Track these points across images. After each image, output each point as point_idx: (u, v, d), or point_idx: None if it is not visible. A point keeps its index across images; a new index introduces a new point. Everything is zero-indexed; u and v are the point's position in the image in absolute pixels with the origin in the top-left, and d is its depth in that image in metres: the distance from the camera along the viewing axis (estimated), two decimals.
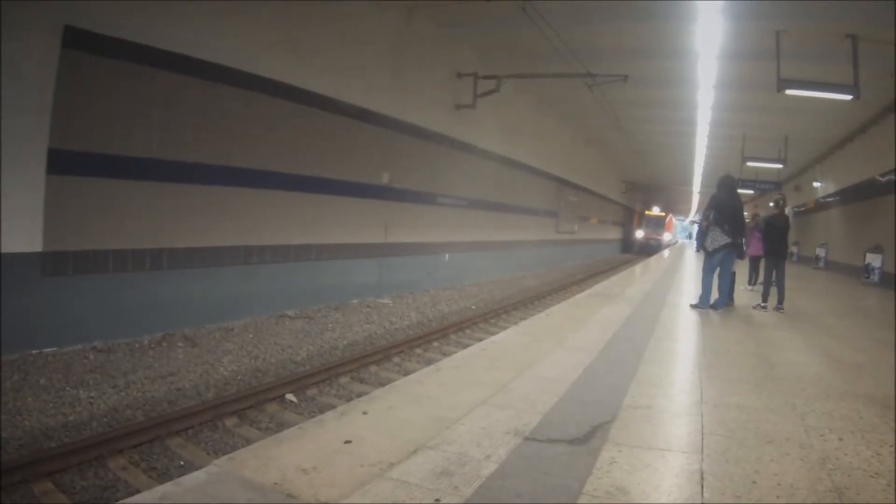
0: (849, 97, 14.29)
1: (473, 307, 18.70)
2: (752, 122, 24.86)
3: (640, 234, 67.85)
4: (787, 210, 17.89)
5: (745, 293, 12.74)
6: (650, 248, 61.52)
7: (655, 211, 69.95)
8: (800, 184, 35.92)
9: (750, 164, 28.17)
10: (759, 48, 14.82)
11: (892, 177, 20.04)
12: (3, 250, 9.37)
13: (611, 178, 55.30)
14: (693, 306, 11.80)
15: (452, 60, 20.40)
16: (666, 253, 46.51)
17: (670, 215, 76.73)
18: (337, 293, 16.54)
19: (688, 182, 50.76)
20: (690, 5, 13.50)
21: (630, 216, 70.40)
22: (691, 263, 28.30)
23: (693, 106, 23.17)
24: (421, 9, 17.07)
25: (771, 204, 14.08)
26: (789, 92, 14.66)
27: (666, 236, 69.72)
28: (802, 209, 34.18)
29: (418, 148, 19.42)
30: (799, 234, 33.36)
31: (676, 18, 14.50)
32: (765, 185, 31.12)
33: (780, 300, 12.55)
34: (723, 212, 11.51)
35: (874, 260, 21.29)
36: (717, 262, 11.56)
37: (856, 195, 24.73)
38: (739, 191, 28.31)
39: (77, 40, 9.98)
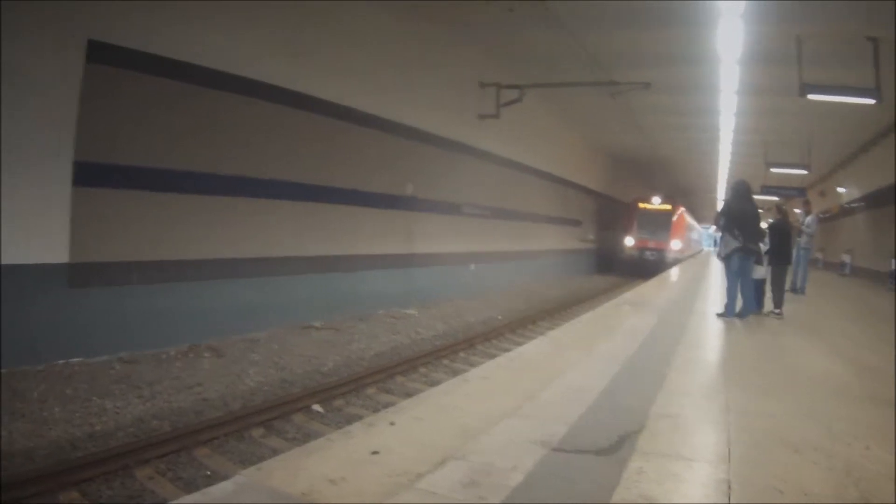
0: (871, 101, 14.20)
1: (500, 317, 18.69)
2: (775, 128, 24.70)
3: (629, 241, 39.42)
4: (811, 217, 17.82)
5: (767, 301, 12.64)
6: (647, 267, 36.37)
7: (655, 203, 40.33)
8: (824, 189, 35.65)
9: (773, 170, 27.99)
10: (781, 53, 14.73)
11: None
12: (31, 262, 9.48)
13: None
14: (719, 315, 11.72)
15: (475, 70, 20.37)
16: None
17: (681, 210, 42.37)
18: (362, 304, 16.56)
19: (712, 189, 50.12)
20: (711, 8, 13.43)
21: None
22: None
23: (716, 112, 23.03)
24: (441, 20, 17.07)
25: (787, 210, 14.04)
26: (811, 96, 14.56)
27: (674, 245, 39.52)
28: (827, 215, 33.90)
29: (442, 158, 19.44)
30: (824, 240, 33.08)
31: (697, 24, 14.43)
32: (789, 192, 30.95)
33: (777, 305, 12.56)
34: (732, 217, 11.47)
35: None
36: (735, 268, 11.48)
37: (881, 200, 24.50)
38: (762, 197, 28.48)
39: (101, 54, 10.08)
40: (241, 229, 12.94)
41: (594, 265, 42.10)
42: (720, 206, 17.40)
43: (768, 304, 12.55)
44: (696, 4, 13.44)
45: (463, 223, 21.84)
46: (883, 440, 4.82)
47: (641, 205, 40.57)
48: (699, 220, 70.14)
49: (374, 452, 4.20)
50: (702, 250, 72.06)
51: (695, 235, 63.79)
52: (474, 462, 4.11)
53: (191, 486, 6.55)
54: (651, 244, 38.68)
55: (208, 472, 7.11)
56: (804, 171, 27.65)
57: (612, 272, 40.77)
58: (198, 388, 9.83)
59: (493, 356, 11.14)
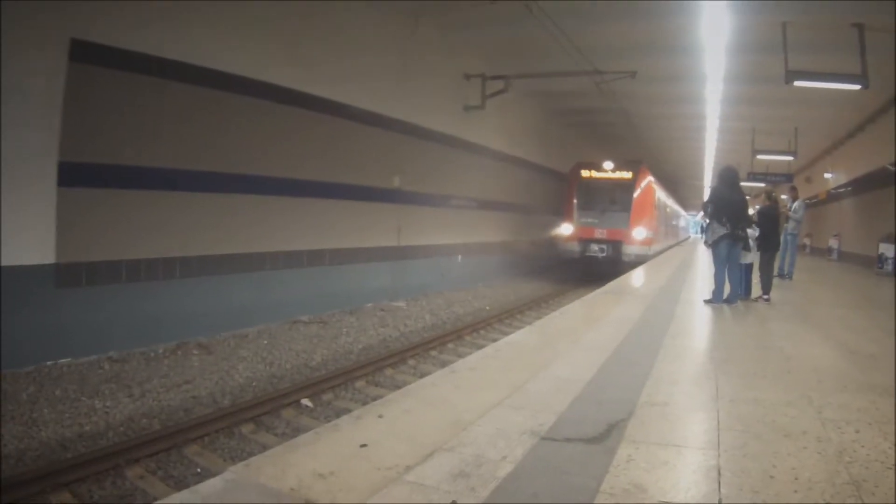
0: (857, 87, 14.23)
1: (488, 308, 18.71)
2: (761, 115, 24.78)
3: (566, 230, 26.83)
4: (798, 203, 17.87)
5: (757, 287, 12.68)
6: (598, 267, 25.64)
7: (607, 169, 27.11)
8: (811, 175, 35.75)
9: (760, 156, 28.10)
10: (766, 40, 14.74)
11: None
12: (17, 263, 9.43)
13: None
14: (707, 302, 11.74)
15: (459, 62, 20.35)
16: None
17: (648, 178, 28.86)
18: (351, 298, 16.52)
19: (699, 177, 49.95)
20: None
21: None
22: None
23: (702, 100, 23.07)
24: (426, 13, 17.03)
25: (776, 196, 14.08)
26: (798, 83, 14.59)
27: (637, 234, 26.04)
28: (814, 200, 33.99)
29: (428, 150, 19.39)
30: (811, 225, 33.17)
31: (682, 13, 14.44)
32: (776, 178, 31.02)
33: (766, 290, 12.58)
34: (720, 204, 11.48)
35: (887, 250, 21.15)
36: (723, 254, 11.49)
37: (867, 185, 24.58)
38: (749, 184, 28.56)
39: (84, 53, 10.03)
40: (229, 226, 12.91)
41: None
42: (707, 193, 17.20)
43: (756, 289, 12.56)
44: None
45: (451, 215, 21.99)
46: (873, 424, 4.82)
47: (585, 173, 26.99)
48: (685, 206, 64.87)
49: (363, 446, 4.19)
50: (688, 237, 64.38)
51: (674, 219, 46.56)
52: (463, 453, 4.10)
53: (181, 484, 6.53)
54: (600, 233, 25.82)
55: (198, 470, 7.10)
56: (791, 158, 27.77)
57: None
58: (187, 385, 9.82)
59: (481, 346, 10.97)
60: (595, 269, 25.62)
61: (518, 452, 4.12)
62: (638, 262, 24.53)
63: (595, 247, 25.87)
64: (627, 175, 26.67)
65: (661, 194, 33.47)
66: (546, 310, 17.98)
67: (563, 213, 27.13)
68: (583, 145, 36.28)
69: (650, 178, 28.84)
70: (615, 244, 25.55)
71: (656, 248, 29.76)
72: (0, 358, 9.02)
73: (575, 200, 26.57)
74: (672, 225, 45.29)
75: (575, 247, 26.21)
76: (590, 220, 26.17)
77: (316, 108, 14.69)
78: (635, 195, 26.30)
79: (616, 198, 26.49)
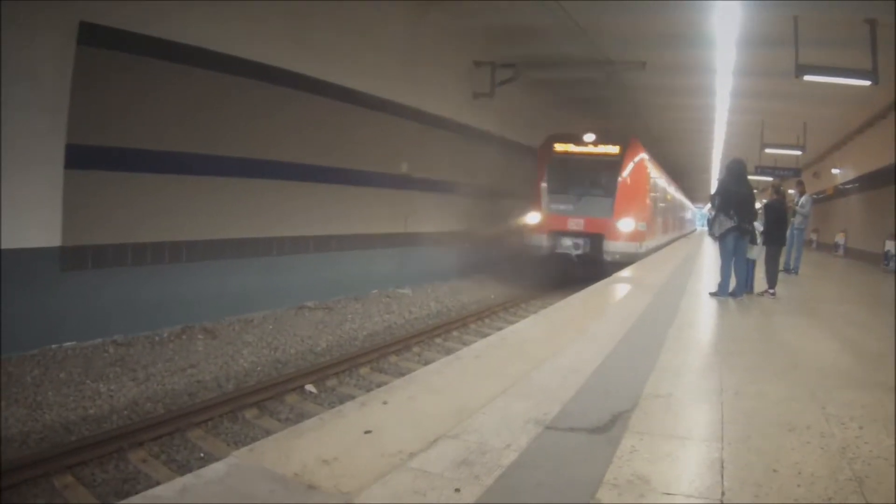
0: (867, 83, 14.17)
1: (493, 296, 18.69)
2: (770, 109, 24.65)
3: (533, 219, 21.38)
4: (805, 197, 17.82)
5: (763, 281, 12.65)
6: (572, 268, 20.83)
7: (587, 142, 21.35)
8: (819, 170, 35.61)
9: (769, 150, 27.94)
10: (777, 34, 14.68)
11: None
12: (23, 245, 9.45)
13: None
14: (712, 294, 11.72)
15: (469, 50, 20.28)
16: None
17: (642, 155, 22.57)
18: (357, 284, 16.52)
19: (707, 170, 49.72)
20: None
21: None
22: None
23: (711, 93, 22.93)
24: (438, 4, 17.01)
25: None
26: (808, 78, 14.55)
27: (624, 226, 20.37)
28: (822, 196, 33.87)
29: (437, 137, 19.34)
30: (818, 220, 33.06)
31: (695, 6, 14.39)
32: (783, 172, 30.90)
33: (771, 285, 12.52)
34: (728, 197, 11.45)
35: (893, 247, 21.09)
36: (730, 247, 11.47)
37: (876, 181, 24.47)
38: (757, 177, 28.45)
39: (92, 36, 10.02)
40: (235, 210, 12.91)
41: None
42: (714, 186, 16.14)
43: (761, 284, 12.53)
44: None
45: (458, 202, 21.91)
46: (877, 421, 4.81)
47: (560, 146, 21.75)
48: (693, 198, 62.53)
49: (367, 432, 4.19)
50: (694, 230, 62.85)
51: (675, 208, 39.87)
52: (468, 441, 4.10)
53: (184, 469, 6.57)
54: (575, 224, 20.50)
55: (202, 454, 7.14)
56: (799, 152, 27.63)
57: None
58: (191, 369, 9.87)
59: (486, 335, 10.78)
60: (568, 270, 20.68)
61: (522, 441, 4.12)
62: (624, 262, 19.07)
63: (568, 241, 20.39)
64: (613, 150, 21.10)
65: (658, 176, 27.45)
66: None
67: (531, 199, 21.69)
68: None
69: (643, 156, 22.62)
70: (594, 239, 20.19)
71: (650, 244, 23.77)
72: (3, 341, 9.05)
73: (544, 182, 21.36)
74: (673, 215, 38.41)
75: (542, 241, 20.64)
76: (562, 206, 20.79)
77: (322, 93, 14.77)
78: (623, 176, 20.79)
79: (598, 179, 21.15)
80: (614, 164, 20.88)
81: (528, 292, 19.89)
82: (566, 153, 21.46)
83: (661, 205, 28.73)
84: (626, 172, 20.93)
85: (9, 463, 6.23)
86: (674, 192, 38.01)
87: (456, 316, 15.71)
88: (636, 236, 20.81)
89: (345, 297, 16.14)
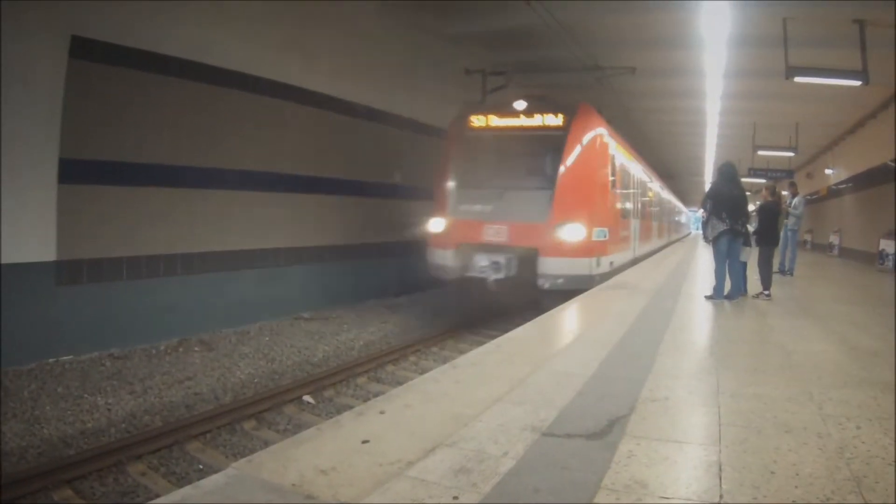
0: (858, 83, 14.22)
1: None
2: (762, 111, 24.71)
3: (436, 226, 14.32)
4: (798, 199, 17.85)
5: (758, 283, 12.67)
6: (491, 298, 14.05)
7: (518, 110, 14.48)
8: (812, 171, 35.72)
9: (761, 152, 28.01)
10: (767, 35, 14.74)
11: None
12: (17, 260, 9.46)
13: None
14: (708, 298, 11.73)
15: (459, 57, 20.26)
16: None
17: (599, 132, 14.83)
18: (352, 294, 16.49)
19: (699, 172, 49.74)
20: None
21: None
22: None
23: (702, 95, 23.01)
24: (426, 8, 17.02)
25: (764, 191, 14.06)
26: (798, 79, 14.60)
27: (572, 234, 13.21)
28: (815, 196, 33.96)
29: (432, 146, 19.32)
30: (812, 221, 33.15)
31: (683, 6, 14.44)
32: (776, 174, 30.98)
33: (766, 286, 12.52)
34: (720, 200, 11.47)
35: (888, 246, 21.13)
36: (724, 250, 11.49)
37: (869, 181, 24.56)
38: (750, 179, 28.49)
39: (84, 50, 10.05)
40: (229, 222, 12.91)
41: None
42: (707, 189, 15.03)
43: (756, 286, 12.54)
44: None
45: None
46: (874, 420, 4.83)
47: (477, 121, 15.21)
48: (686, 202, 60.78)
49: (365, 441, 4.20)
50: (689, 234, 61.64)
51: (659, 207, 30.97)
52: (465, 449, 4.12)
53: (183, 481, 6.56)
54: (494, 234, 13.79)
55: (200, 466, 7.12)
56: (792, 154, 27.71)
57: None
58: (188, 381, 9.87)
59: (482, 342, 9.00)
60: (492, 297, 14.03)
61: (519, 448, 4.12)
62: (573, 288, 12.94)
63: (483, 260, 13.48)
64: (555, 121, 14.29)
65: (628, 163, 19.51)
66: None
67: (434, 197, 14.99)
68: None
69: (602, 131, 15.16)
70: (524, 255, 13.38)
71: (618, 257, 16.48)
72: (1, 355, 9.04)
73: (451, 171, 14.66)
74: (658, 217, 29.85)
75: (447, 258, 14.01)
76: (476, 207, 13.99)
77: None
78: (569, 159, 13.83)
79: (532, 164, 14.58)
80: (556, 141, 13.93)
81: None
82: (485, 129, 14.94)
83: (634, 202, 20.70)
84: (573, 154, 13.93)
85: (8, 477, 6.22)
86: (657, 186, 30.21)
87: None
88: (591, 249, 13.78)
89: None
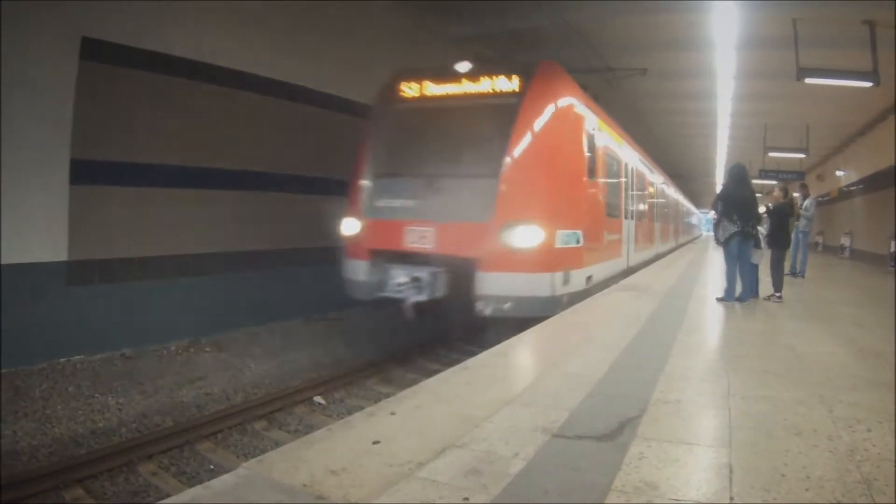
0: (868, 84, 14.18)
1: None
2: (773, 112, 24.65)
3: (350, 228, 10.76)
4: (809, 200, 17.79)
5: (769, 285, 12.62)
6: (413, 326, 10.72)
7: (459, 77, 10.98)
8: (822, 172, 35.61)
9: (772, 153, 27.95)
10: (777, 37, 14.74)
11: None
12: (29, 260, 9.51)
13: None
14: (719, 300, 11.70)
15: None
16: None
17: (570, 102, 10.99)
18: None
19: (711, 174, 49.56)
20: None
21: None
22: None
23: (713, 97, 22.98)
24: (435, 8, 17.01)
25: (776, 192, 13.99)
26: (809, 80, 14.58)
27: (523, 239, 9.50)
28: (826, 198, 33.84)
29: None
30: (823, 223, 33.04)
31: (693, 9, 14.43)
32: (787, 175, 30.90)
33: (777, 289, 12.45)
34: (730, 202, 11.43)
35: None
36: (734, 252, 11.45)
37: (880, 183, 24.47)
38: (761, 181, 28.41)
39: (94, 51, 10.09)
40: (245, 223, 12.94)
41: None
42: (719, 190, 14.26)
43: (767, 288, 12.50)
44: None
45: None
46: (884, 423, 4.80)
47: (407, 90, 11.45)
48: (697, 202, 59.46)
49: (376, 442, 4.20)
50: (699, 236, 59.18)
51: (661, 204, 26.64)
52: (476, 450, 4.11)
53: (194, 481, 6.58)
54: (419, 238, 10.02)
55: (211, 466, 7.16)
56: (803, 155, 27.63)
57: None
58: (199, 382, 9.93)
59: (493, 344, 8.41)
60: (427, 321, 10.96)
61: (530, 450, 4.11)
62: (527, 315, 9.50)
63: (401, 276, 10.07)
64: (507, 86, 10.79)
65: (616, 146, 15.40)
66: None
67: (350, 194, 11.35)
68: None
69: (572, 101, 11.39)
70: (457, 269, 9.86)
71: (603, 269, 13.30)
72: (11, 354, 9.08)
73: (367, 157, 11.23)
74: (660, 217, 25.66)
75: (359, 272, 10.67)
76: (397, 203, 10.64)
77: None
78: (523, 137, 10.22)
79: (472, 145, 10.43)
80: (506, 112, 10.31)
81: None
82: (419, 99, 11.46)
83: (626, 197, 16.68)
84: (530, 128, 10.34)
85: (19, 476, 6.25)
86: (660, 180, 26.32)
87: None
88: (554, 259, 10.22)
89: None
